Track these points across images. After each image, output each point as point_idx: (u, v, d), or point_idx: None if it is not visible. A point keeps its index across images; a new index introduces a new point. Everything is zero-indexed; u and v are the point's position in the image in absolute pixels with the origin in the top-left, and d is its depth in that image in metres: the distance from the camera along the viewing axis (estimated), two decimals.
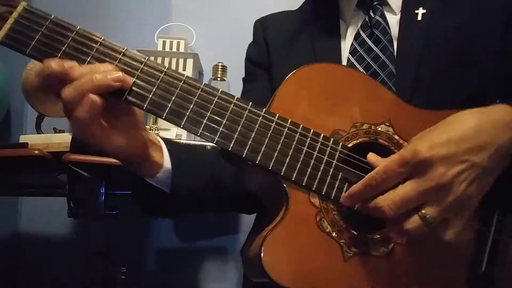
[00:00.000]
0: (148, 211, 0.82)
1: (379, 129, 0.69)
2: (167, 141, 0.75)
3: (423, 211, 0.58)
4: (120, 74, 0.59)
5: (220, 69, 1.49)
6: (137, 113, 0.65)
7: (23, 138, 1.19)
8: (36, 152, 1.05)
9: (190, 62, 1.47)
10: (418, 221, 0.58)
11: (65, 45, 0.60)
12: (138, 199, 0.78)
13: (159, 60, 1.46)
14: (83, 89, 0.57)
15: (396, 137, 0.69)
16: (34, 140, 1.16)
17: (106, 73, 0.58)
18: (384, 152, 0.69)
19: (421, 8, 0.83)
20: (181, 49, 1.49)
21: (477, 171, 0.58)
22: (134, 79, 0.61)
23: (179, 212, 0.90)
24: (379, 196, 0.60)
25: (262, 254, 0.60)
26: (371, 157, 0.65)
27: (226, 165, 0.81)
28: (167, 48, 1.49)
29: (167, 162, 0.73)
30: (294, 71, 0.68)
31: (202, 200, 0.81)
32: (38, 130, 1.35)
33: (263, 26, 0.99)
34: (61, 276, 1.51)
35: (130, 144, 0.64)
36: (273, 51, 0.94)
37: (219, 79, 1.48)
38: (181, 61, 1.47)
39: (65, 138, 1.11)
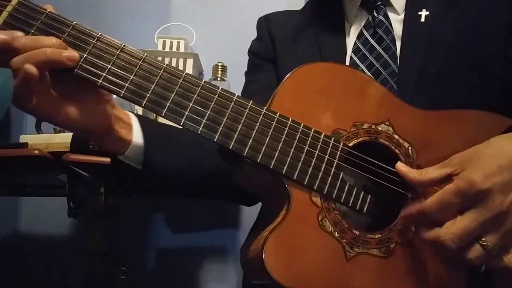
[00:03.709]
0: (125, 187, 0.80)
1: (379, 128, 0.69)
2: (141, 118, 0.73)
3: (483, 240, 0.57)
4: (75, 54, 0.58)
5: (220, 69, 1.49)
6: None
7: (23, 138, 1.19)
8: (36, 152, 1.05)
9: (190, 62, 1.48)
10: (481, 251, 0.57)
11: (61, 40, 0.59)
12: (116, 173, 0.76)
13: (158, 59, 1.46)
14: (36, 60, 0.55)
15: (396, 136, 0.69)
16: (34, 140, 1.15)
17: (60, 49, 0.57)
18: (384, 151, 0.69)
19: (424, 10, 0.83)
20: (181, 49, 1.49)
21: None
22: (132, 76, 0.60)
23: (156, 192, 0.87)
24: (438, 229, 0.59)
25: (263, 255, 0.60)
26: (402, 167, 0.65)
27: (209, 148, 0.78)
28: (167, 48, 1.49)
29: (136, 138, 0.70)
30: (294, 70, 0.68)
31: (183, 181, 0.79)
32: (38, 130, 1.35)
33: (267, 22, 1.00)
34: (61, 276, 1.51)
35: (86, 119, 0.62)
36: (278, 46, 0.94)
37: (219, 79, 1.48)
38: (181, 61, 1.47)
39: (65, 138, 1.11)
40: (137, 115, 0.73)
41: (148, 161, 0.71)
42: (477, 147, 0.61)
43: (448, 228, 0.58)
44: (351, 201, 0.66)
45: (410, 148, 0.69)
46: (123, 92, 0.60)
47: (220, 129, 0.62)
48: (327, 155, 0.66)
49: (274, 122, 0.64)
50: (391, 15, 0.87)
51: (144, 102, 0.60)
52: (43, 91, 0.58)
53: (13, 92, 0.56)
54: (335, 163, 0.66)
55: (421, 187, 0.64)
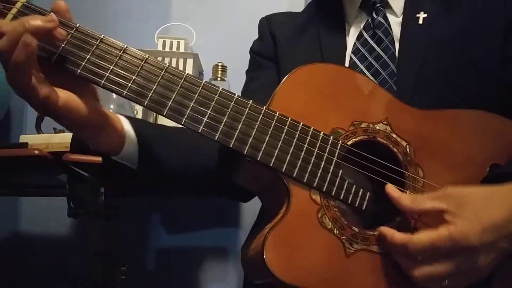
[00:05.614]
0: (117, 192, 0.79)
1: (377, 127, 0.70)
2: (131, 119, 0.72)
3: (446, 282, 0.60)
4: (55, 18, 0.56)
5: (220, 69, 1.49)
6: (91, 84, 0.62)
7: (23, 138, 1.19)
8: (36, 152, 1.05)
9: (190, 62, 1.47)
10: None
11: (65, 42, 0.59)
12: (108, 180, 0.75)
13: (159, 60, 1.47)
14: (16, 34, 0.53)
15: (394, 135, 0.70)
16: (34, 140, 1.15)
17: (39, 19, 0.55)
18: (383, 150, 0.69)
19: (422, 12, 0.85)
20: (181, 49, 1.49)
21: (503, 257, 0.61)
22: (134, 77, 0.61)
23: (151, 191, 0.87)
24: (416, 266, 0.61)
25: (264, 252, 0.60)
26: (392, 192, 0.65)
27: (205, 146, 0.77)
28: (167, 48, 1.49)
29: (129, 137, 0.69)
30: (293, 70, 0.69)
31: (178, 180, 0.80)
32: (38, 130, 1.34)
33: (268, 22, 1.00)
34: (61, 276, 1.51)
35: (81, 109, 0.60)
36: (280, 46, 0.95)
37: (219, 79, 1.48)
38: (181, 61, 1.47)
39: (65, 138, 1.11)
40: (127, 117, 0.72)
41: (143, 160, 0.71)
42: (474, 190, 0.63)
43: (425, 269, 0.60)
44: (350, 198, 0.67)
45: (408, 146, 0.70)
46: (125, 92, 0.61)
47: (220, 128, 0.63)
48: (326, 153, 0.66)
49: (274, 121, 0.65)
50: (390, 17, 0.88)
51: (146, 102, 0.61)
52: (39, 77, 0.56)
53: (7, 75, 0.54)
54: (334, 161, 0.66)
55: (410, 214, 0.65)
